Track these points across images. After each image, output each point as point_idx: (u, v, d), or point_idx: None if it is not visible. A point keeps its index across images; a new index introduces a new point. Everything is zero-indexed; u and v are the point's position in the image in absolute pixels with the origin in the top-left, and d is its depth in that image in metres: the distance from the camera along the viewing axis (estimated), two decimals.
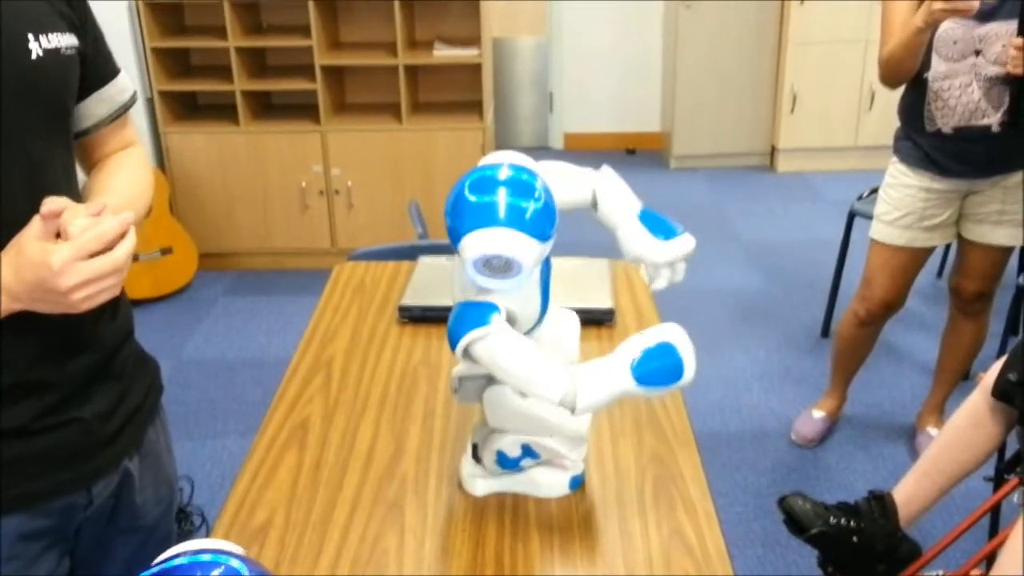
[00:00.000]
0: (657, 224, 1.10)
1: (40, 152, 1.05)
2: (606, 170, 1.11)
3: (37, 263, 0.91)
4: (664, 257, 1.10)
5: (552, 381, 0.97)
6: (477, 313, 0.98)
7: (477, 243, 0.93)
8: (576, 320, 1.19)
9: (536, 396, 0.99)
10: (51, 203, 0.92)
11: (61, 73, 1.08)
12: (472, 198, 0.94)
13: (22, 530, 1.09)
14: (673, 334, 0.99)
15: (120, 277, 0.96)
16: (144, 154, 1.28)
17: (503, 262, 0.93)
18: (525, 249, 0.93)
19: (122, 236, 0.95)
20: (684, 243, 1.10)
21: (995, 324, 2.77)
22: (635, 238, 1.09)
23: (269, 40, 3.86)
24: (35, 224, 0.93)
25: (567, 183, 1.09)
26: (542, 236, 0.94)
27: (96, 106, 1.19)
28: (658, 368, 0.97)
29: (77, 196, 1.12)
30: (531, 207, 0.93)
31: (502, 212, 0.92)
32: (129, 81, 1.24)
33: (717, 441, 2.83)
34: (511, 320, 1.02)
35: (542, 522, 1.14)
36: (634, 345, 0.98)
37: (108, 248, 0.94)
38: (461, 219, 0.94)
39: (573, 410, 0.98)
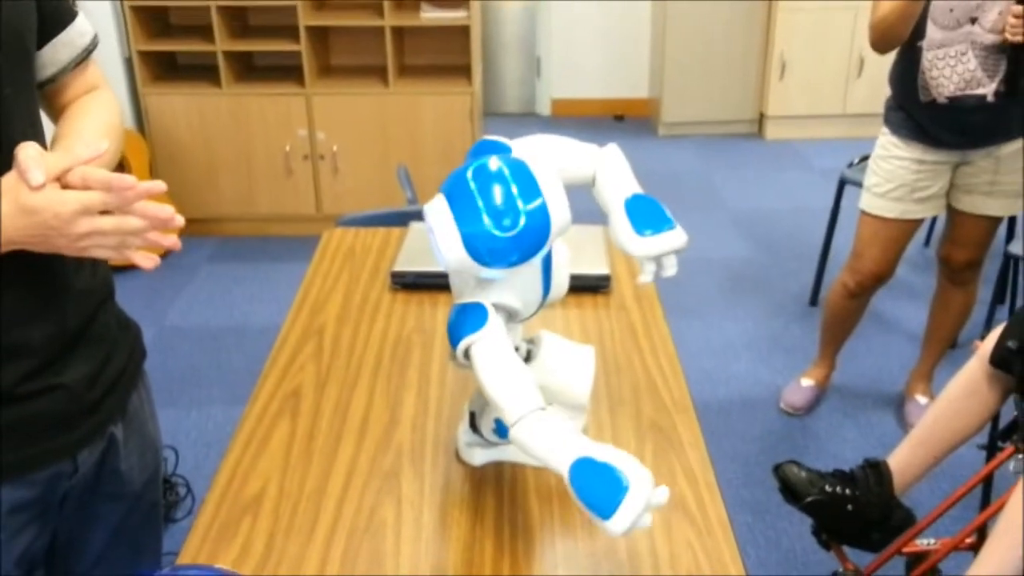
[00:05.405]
0: (645, 214, 0.99)
1: (3, 104, 0.99)
2: (611, 148, 1.04)
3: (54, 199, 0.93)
4: (640, 252, 0.98)
5: (511, 408, 0.90)
6: (474, 315, 0.95)
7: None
8: (591, 359, 1.11)
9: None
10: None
11: (17, 16, 1.02)
12: (497, 234, 0.91)
13: (10, 502, 1.06)
14: (629, 467, 0.85)
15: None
16: (112, 96, 1.21)
17: None
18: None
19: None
20: (667, 239, 0.98)
21: (983, 292, 2.76)
22: (618, 227, 1.00)
23: None
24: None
25: (570, 159, 1.03)
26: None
27: (58, 51, 1.13)
28: (592, 486, 0.85)
29: (44, 148, 1.06)
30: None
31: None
32: (88, 23, 1.18)
33: (706, 410, 2.82)
34: (512, 313, 0.99)
35: (541, 491, 1.12)
36: (595, 450, 0.86)
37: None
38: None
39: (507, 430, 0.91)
